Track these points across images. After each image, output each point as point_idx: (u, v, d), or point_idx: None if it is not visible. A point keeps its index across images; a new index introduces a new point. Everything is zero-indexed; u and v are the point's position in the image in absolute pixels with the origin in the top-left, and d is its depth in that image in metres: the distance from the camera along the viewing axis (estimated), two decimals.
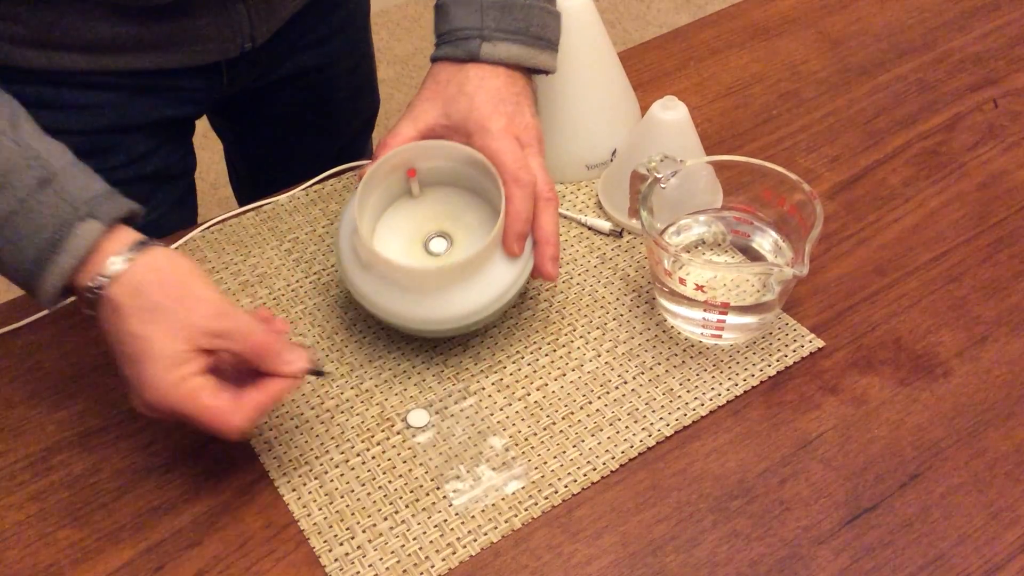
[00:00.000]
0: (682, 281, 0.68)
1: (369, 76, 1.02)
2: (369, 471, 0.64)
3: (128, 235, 0.59)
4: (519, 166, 0.66)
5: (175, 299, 0.57)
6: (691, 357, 0.70)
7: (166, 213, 0.86)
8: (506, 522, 0.61)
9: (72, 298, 0.60)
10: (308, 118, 0.97)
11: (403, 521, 0.61)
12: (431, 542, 0.60)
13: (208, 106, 0.89)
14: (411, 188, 0.73)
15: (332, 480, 0.64)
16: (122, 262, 0.57)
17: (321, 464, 0.64)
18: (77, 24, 0.72)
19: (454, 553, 0.60)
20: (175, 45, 0.77)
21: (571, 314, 0.73)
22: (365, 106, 1.04)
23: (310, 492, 0.63)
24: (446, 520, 0.61)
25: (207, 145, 1.09)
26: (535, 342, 0.71)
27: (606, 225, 0.79)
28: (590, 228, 0.80)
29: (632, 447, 0.65)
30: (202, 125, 1.00)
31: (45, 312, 0.74)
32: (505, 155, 0.66)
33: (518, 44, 0.70)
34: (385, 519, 0.62)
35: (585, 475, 0.64)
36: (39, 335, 0.73)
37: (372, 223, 0.70)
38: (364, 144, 1.05)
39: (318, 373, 0.62)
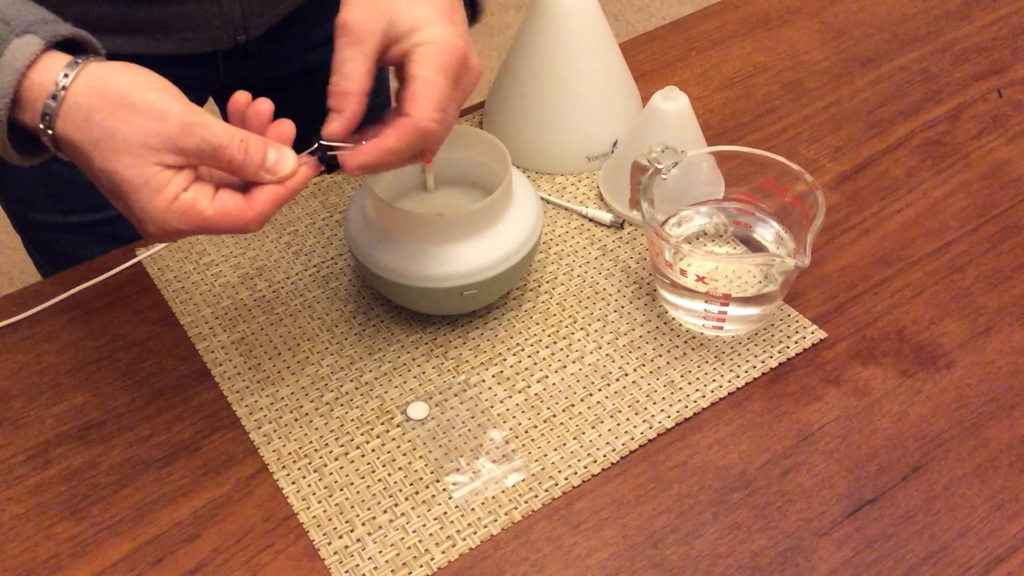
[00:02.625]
0: (683, 272, 0.68)
1: (378, 75, 1.02)
2: (369, 464, 0.64)
3: (65, 58, 0.52)
4: (439, 115, 0.56)
5: (127, 121, 0.51)
6: (692, 349, 0.70)
7: None
8: (506, 514, 0.61)
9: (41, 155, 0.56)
10: (315, 116, 0.97)
11: (403, 514, 0.61)
12: (431, 535, 0.60)
13: (205, 97, 0.89)
14: (427, 180, 0.73)
15: (331, 473, 0.63)
16: (61, 84, 0.51)
17: (320, 457, 0.64)
18: (61, 3, 0.71)
19: (454, 546, 0.60)
20: (163, 31, 0.77)
21: (572, 306, 0.73)
22: (373, 106, 1.03)
23: (309, 485, 0.63)
24: (446, 513, 0.61)
25: None
26: (535, 334, 0.71)
27: (607, 216, 0.79)
28: (591, 220, 0.79)
29: (633, 439, 0.65)
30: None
31: (44, 306, 0.73)
32: (434, 95, 0.56)
33: None
34: (385, 512, 0.61)
35: (586, 467, 0.63)
36: (38, 329, 0.73)
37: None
38: None
39: (328, 166, 0.56)
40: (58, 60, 0.52)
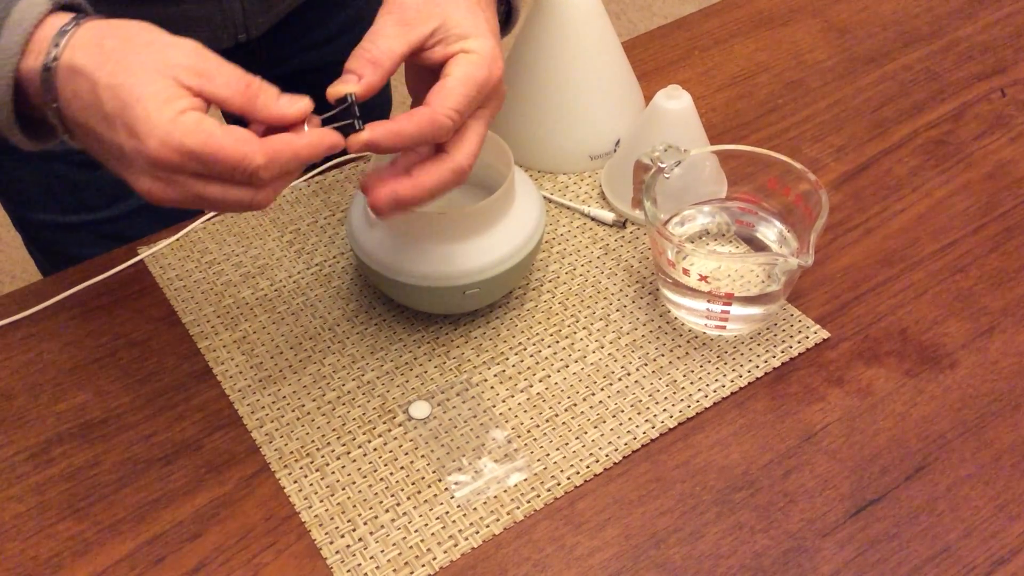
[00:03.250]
0: (686, 272, 0.68)
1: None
2: (370, 463, 0.64)
3: (75, 13, 0.52)
4: (454, 113, 0.54)
5: (144, 44, 0.50)
6: (695, 348, 0.70)
7: None
8: (508, 514, 0.61)
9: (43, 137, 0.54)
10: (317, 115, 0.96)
11: (405, 513, 0.61)
12: (433, 534, 0.60)
13: None
14: None
15: (333, 472, 0.63)
16: (72, 25, 0.50)
17: (322, 456, 0.64)
18: None
19: (456, 545, 0.60)
20: (164, 29, 0.77)
21: (574, 305, 0.73)
22: (376, 105, 1.03)
23: (311, 484, 0.63)
24: (448, 512, 0.61)
25: None
26: (537, 333, 0.71)
27: (609, 216, 0.79)
28: (593, 219, 0.79)
29: (635, 439, 0.64)
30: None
31: (46, 304, 0.73)
32: (458, 95, 0.54)
33: None
34: (386, 511, 0.61)
35: (588, 467, 0.63)
36: (39, 327, 0.73)
37: None
38: None
39: (346, 125, 0.53)
40: (65, 17, 0.51)
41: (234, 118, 0.53)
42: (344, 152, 0.82)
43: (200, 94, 0.50)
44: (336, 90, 0.54)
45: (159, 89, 0.48)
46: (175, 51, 0.50)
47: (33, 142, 0.54)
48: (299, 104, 0.51)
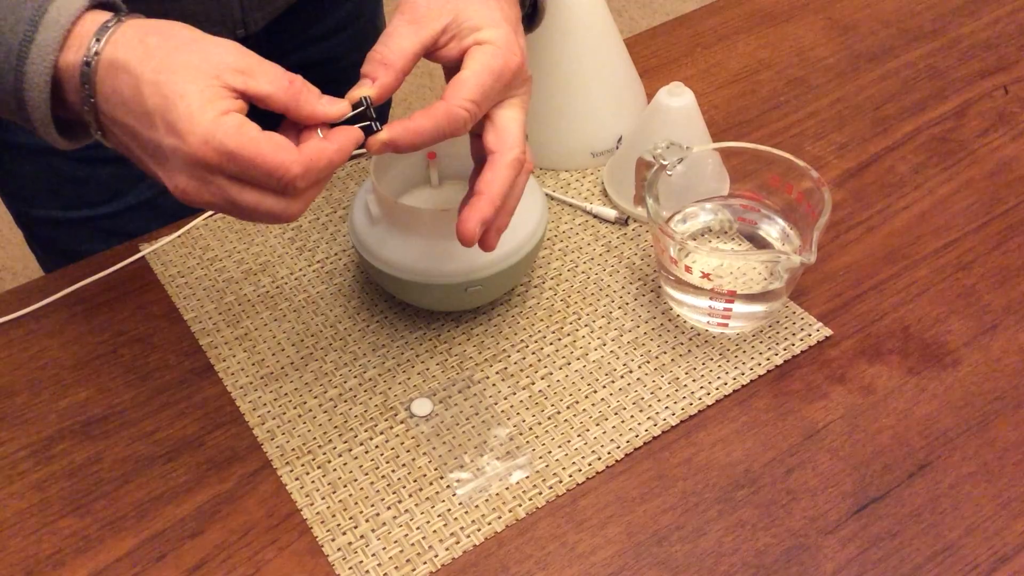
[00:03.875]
0: (688, 269, 0.67)
1: None
2: (372, 460, 0.64)
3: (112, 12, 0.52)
4: (520, 141, 0.57)
5: (187, 41, 0.50)
6: (697, 346, 0.69)
7: (171, 196, 0.86)
8: (510, 512, 0.61)
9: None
10: None
11: (406, 511, 0.61)
12: (434, 532, 0.60)
13: None
14: (431, 176, 0.73)
15: (335, 469, 0.63)
16: (114, 21, 0.51)
17: (324, 453, 0.64)
18: None
19: (458, 543, 0.60)
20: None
21: (576, 303, 0.73)
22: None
23: (313, 481, 0.63)
24: (450, 510, 0.61)
25: None
26: (539, 331, 0.71)
27: (611, 213, 0.78)
28: (595, 216, 0.79)
29: (637, 436, 0.64)
30: None
31: (47, 301, 0.73)
32: (475, 84, 0.55)
33: None
34: (388, 508, 0.61)
35: (590, 464, 0.63)
36: (41, 324, 0.72)
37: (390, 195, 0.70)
38: None
39: (368, 125, 0.54)
40: (103, 14, 0.51)
41: (258, 116, 0.53)
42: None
43: (244, 93, 0.50)
44: (352, 95, 0.54)
45: (203, 88, 0.48)
46: (218, 49, 0.50)
47: (66, 140, 0.54)
48: (339, 106, 0.52)
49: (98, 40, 0.50)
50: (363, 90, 0.54)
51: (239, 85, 0.50)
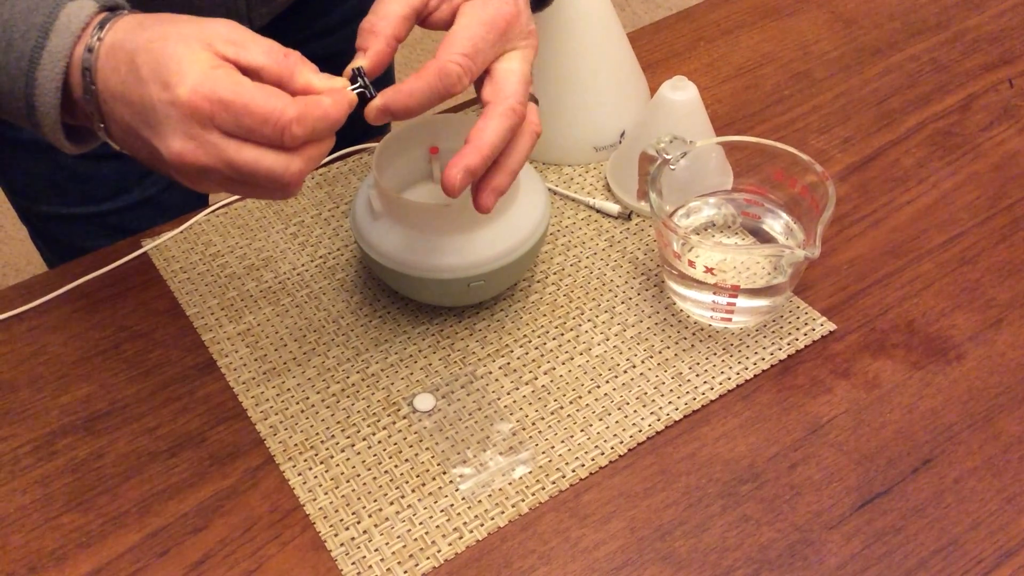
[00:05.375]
0: (691, 264, 0.67)
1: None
2: (375, 455, 0.63)
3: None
4: (518, 92, 0.55)
5: (183, 19, 0.51)
6: (700, 341, 0.69)
7: (174, 192, 0.86)
8: (513, 507, 0.61)
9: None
10: None
11: (409, 506, 0.61)
12: (437, 527, 0.60)
13: None
14: (433, 171, 0.72)
15: (338, 464, 0.63)
16: (113, 16, 0.52)
17: (327, 448, 0.64)
18: None
19: (461, 538, 0.60)
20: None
21: (579, 297, 0.72)
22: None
23: (316, 477, 0.62)
24: (452, 505, 0.61)
25: None
26: (542, 326, 0.71)
27: (614, 207, 0.78)
28: (598, 211, 0.79)
29: (640, 431, 0.64)
30: None
31: (50, 296, 0.73)
32: (465, 37, 0.54)
33: None
34: (391, 504, 0.61)
35: (593, 459, 0.63)
36: (44, 319, 0.72)
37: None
38: (380, 133, 1.04)
39: (363, 93, 0.54)
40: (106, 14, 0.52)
41: None
42: (352, 142, 0.81)
43: (236, 63, 0.50)
44: (347, 70, 0.54)
45: (194, 50, 0.49)
46: (213, 23, 0.50)
47: (73, 144, 0.55)
48: (335, 80, 0.52)
49: (100, 27, 0.50)
50: (356, 62, 0.54)
51: (231, 55, 0.49)
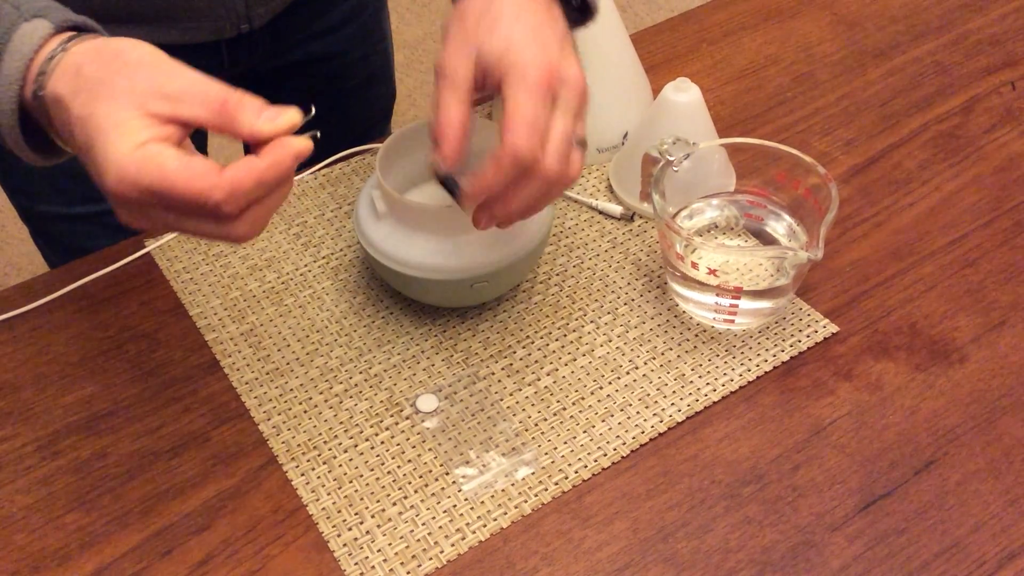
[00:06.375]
0: (694, 265, 0.67)
1: (383, 66, 1.01)
2: (378, 456, 0.64)
3: (73, 34, 0.51)
4: (528, 135, 0.55)
5: (115, 71, 0.48)
6: (703, 342, 0.69)
7: None
8: (516, 508, 0.61)
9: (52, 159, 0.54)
10: (320, 106, 0.96)
11: (412, 506, 0.61)
12: (440, 527, 0.60)
13: None
14: None
15: (341, 465, 0.63)
16: (60, 51, 0.49)
17: (330, 449, 0.64)
18: None
19: (463, 538, 0.60)
20: (166, 20, 0.77)
21: (582, 299, 0.72)
22: (379, 96, 1.03)
23: (319, 477, 0.63)
24: (455, 505, 0.61)
25: None
26: (545, 327, 0.71)
27: (617, 209, 0.78)
28: (601, 212, 0.79)
29: (643, 433, 0.64)
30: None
31: (53, 296, 0.73)
32: (521, 116, 0.54)
33: None
34: (394, 504, 0.61)
35: (595, 461, 0.63)
36: (46, 319, 0.72)
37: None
38: (381, 134, 1.04)
39: (450, 191, 0.54)
40: (58, 41, 0.50)
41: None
42: (355, 142, 0.81)
43: (172, 119, 0.48)
44: (430, 166, 0.57)
45: (122, 121, 0.47)
46: (149, 74, 0.48)
47: (46, 158, 0.54)
48: (284, 118, 0.49)
49: (42, 73, 0.49)
50: (435, 156, 0.56)
51: (166, 112, 0.48)
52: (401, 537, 0.60)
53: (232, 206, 0.47)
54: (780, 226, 0.73)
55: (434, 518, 0.60)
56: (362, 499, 0.61)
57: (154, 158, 0.47)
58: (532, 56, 0.55)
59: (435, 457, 0.63)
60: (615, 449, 0.63)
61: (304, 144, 0.49)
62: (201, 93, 0.48)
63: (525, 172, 0.55)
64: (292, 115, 0.49)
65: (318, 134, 0.52)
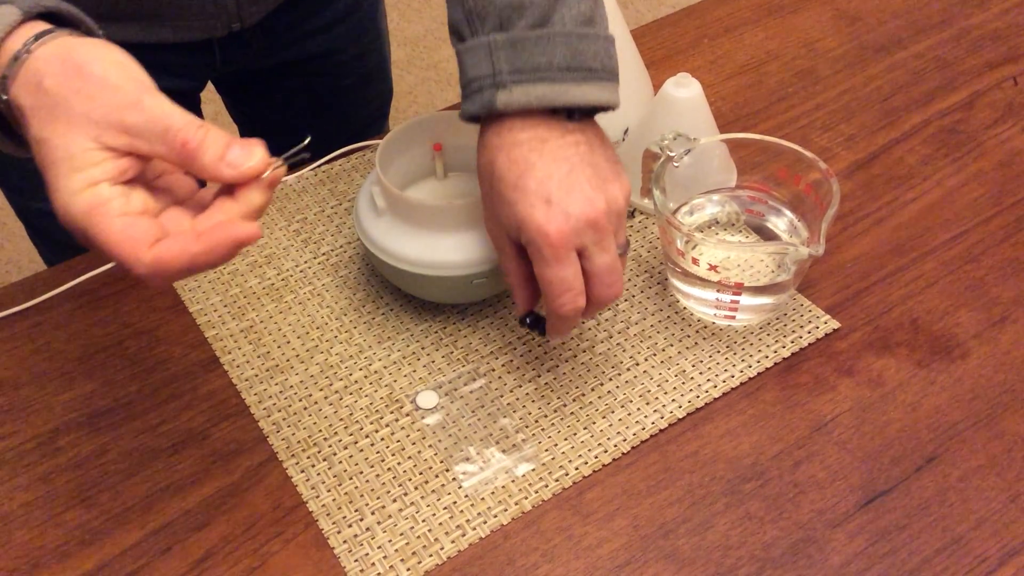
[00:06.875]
0: (695, 261, 0.67)
1: (380, 64, 1.01)
2: (378, 453, 0.63)
3: (43, 27, 0.48)
4: (562, 300, 0.57)
5: (75, 89, 0.45)
6: (704, 338, 0.69)
7: None
8: (516, 504, 0.61)
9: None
10: (316, 105, 0.96)
11: (412, 503, 0.61)
12: (440, 524, 0.60)
13: (202, 84, 0.88)
14: (436, 167, 0.72)
15: (341, 462, 0.63)
16: (26, 48, 0.47)
17: (330, 446, 0.64)
18: None
19: (463, 535, 0.59)
20: (157, 18, 0.77)
21: None
22: (376, 94, 1.02)
23: (319, 474, 0.62)
24: (455, 502, 0.61)
25: (220, 125, 1.08)
26: None
27: None
28: None
29: (644, 429, 0.64)
30: (214, 107, 0.99)
31: (53, 293, 0.73)
32: (548, 285, 0.57)
33: (543, 82, 0.57)
34: (394, 501, 0.61)
35: (596, 457, 0.63)
36: (47, 316, 0.72)
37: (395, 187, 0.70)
38: (378, 132, 1.04)
39: (296, 161, 0.49)
40: (35, 28, 0.48)
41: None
42: (351, 140, 0.80)
43: (130, 153, 0.46)
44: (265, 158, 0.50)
45: (75, 152, 0.45)
46: (106, 99, 0.46)
47: (28, 151, 0.53)
48: (249, 165, 0.46)
49: (5, 77, 0.47)
50: (259, 158, 0.48)
51: (122, 146, 0.46)
52: (401, 534, 0.59)
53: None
54: (781, 222, 0.72)
55: (434, 515, 0.60)
56: (362, 496, 0.61)
57: (99, 209, 0.45)
58: (536, 231, 0.56)
59: (435, 454, 0.63)
60: (616, 445, 0.63)
61: (248, 231, 0.46)
62: (161, 130, 0.46)
63: (577, 315, 0.58)
64: (258, 159, 0.47)
65: (308, 152, 0.50)
